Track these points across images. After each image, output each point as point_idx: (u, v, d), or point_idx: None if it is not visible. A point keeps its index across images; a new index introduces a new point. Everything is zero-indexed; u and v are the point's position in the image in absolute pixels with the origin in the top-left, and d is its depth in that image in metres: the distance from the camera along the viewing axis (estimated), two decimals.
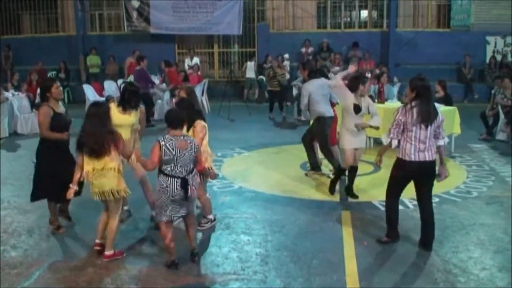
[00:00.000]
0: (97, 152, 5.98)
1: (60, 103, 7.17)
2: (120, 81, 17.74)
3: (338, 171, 8.49)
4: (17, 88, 15.74)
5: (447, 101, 11.93)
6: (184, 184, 5.70)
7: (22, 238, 6.98)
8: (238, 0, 19.63)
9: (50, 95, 6.86)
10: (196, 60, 19.42)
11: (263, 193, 8.66)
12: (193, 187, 5.82)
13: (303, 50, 19.58)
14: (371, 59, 18.66)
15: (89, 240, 6.77)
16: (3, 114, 13.59)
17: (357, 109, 7.86)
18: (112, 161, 6.04)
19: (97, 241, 6.36)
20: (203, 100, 17.06)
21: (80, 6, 20.58)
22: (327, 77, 9.59)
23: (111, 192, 6.05)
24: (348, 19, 21.50)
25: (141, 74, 14.65)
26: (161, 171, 5.74)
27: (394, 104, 11.75)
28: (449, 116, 11.18)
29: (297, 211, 7.83)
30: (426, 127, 6.14)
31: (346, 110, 7.98)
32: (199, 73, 18.13)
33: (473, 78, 19.14)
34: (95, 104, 6.39)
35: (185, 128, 6.12)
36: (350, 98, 7.90)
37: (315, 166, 9.63)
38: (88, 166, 6.04)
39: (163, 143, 5.64)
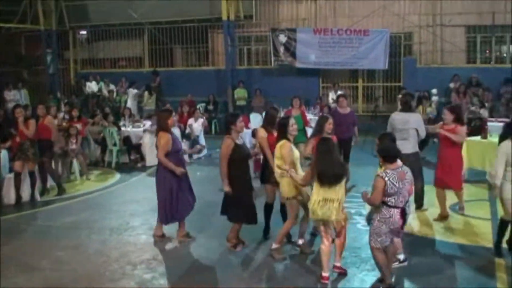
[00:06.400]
0: (334, 183, 6.29)
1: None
2: None
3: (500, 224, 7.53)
4: None
5: None
6: (403, 213, 5.97)
7: (170, 267, 7.29)
8: (384, 35, 19.45)
9: (234, 128, 7.51)
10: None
11: (412, 235, 8.35)
12: (408, 215, 6.12)
13: (451, 85, 18.88)
14: None
15: (243, 270, 7.00)
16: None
17: None
18: (336, 193, 6.30)
19: (324, 274, 6.52)
20: None
21: (230, 41, 21.40)
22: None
23: (334, 221, 6.41)
24: (499, 53, 20.61)
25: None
26: (383, 202, 5.95)
27: None
28: None
29: (449, 256, 7.51)
30: None
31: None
32: None
33: None
34: (324, 139, 6.74)
35: None
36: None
37: None
38: (317, 195, 6.35)
39: (386, 178, 5.86)
